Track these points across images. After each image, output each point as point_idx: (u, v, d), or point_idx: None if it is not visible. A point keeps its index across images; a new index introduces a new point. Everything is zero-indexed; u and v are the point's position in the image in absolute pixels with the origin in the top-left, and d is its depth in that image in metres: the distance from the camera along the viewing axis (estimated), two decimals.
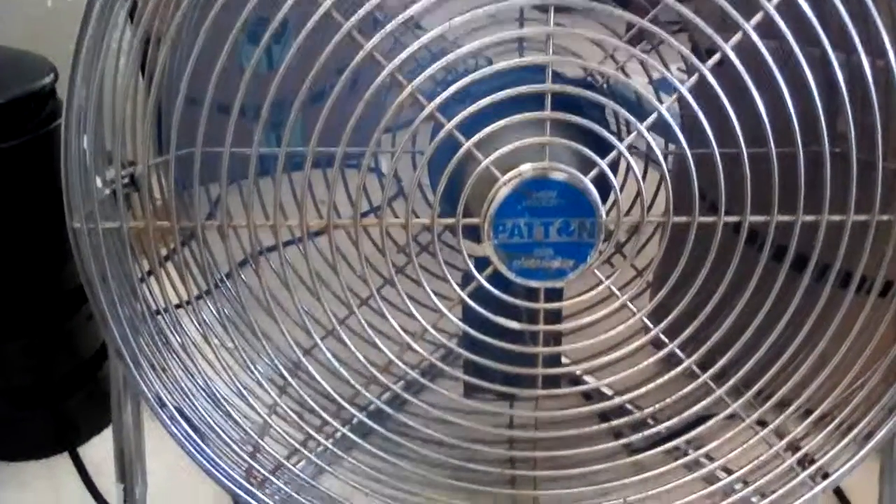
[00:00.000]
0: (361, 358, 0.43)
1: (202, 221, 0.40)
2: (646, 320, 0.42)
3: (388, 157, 0.38)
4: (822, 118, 0.37)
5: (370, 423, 0.42)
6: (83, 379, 0.64)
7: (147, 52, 0.42)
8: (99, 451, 0.62)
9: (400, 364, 0.42)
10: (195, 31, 0.39)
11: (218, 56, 0.38)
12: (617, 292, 0.40)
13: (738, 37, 0.36)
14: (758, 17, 0.36)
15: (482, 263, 0.40)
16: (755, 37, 0.36)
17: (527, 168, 0.38)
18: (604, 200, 0.39)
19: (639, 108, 0.40)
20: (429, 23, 0.40)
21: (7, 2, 0.79)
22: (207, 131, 0.40)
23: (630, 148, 0.38)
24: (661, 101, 0.38)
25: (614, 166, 0.39)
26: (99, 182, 0.42)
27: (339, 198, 0.47)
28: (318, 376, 0.43)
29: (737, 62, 0.36)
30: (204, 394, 0.46)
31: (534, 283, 0.40)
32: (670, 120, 0.38)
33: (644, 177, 0.47)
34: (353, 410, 0.43)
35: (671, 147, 0.51)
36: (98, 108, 0.41)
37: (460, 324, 0.41)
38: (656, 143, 0.39)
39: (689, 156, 0.37)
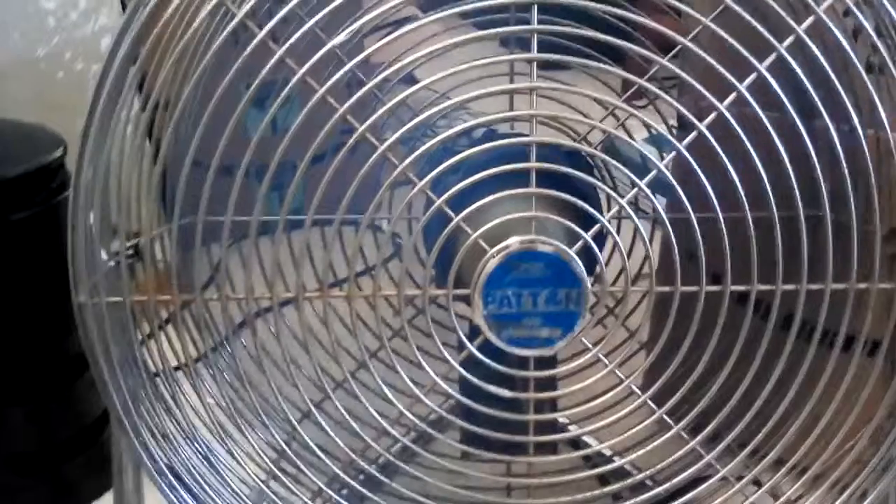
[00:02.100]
0: (354, 425, 0.44)
1: (202, 297, 0.42)
2: (633, 387, 0.43)
3: (364, 228, 0.39)
4: (795, 184, 0.38)
5: (363, 490, 0.43)
6: (85, 444, 0.64)
7: (154, 121, 0.43)
8: None
9: (390, 432, 0.43)
10: (202, 98, 0.41)
11: (221, 120, 0.39)
12: (605, 360, 0.41)
13: (732, 97, 0.38)
14: (750, 78, 0.38)
15: (474, 332, 0.41)
16: (749, 97, 0.38)
17: (514, 242, 0.39)
18: (595, 264, 0.40)
19: (635, 169, 0.41)
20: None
21: (17, 73, 0.81)
22: (210, 194, 0.41)
23: (624, 211, 0.39)
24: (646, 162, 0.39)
25: (602, 235, 0.41)
26: (104, 255, 0.44)
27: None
28: (311, 443, 0.44)
29: (732, 122, 0.38)
30: (203, 460, 0.47)
31: (523, 352, 0.41)
32: (671, 179, 0.39)
33: (632, 242, 0.48)
34: (346, 478, 0.44)
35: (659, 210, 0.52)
36: (105, 181, 0.43)
37: (454, 393, 0.42)
38: (649, 206, 0.40)
39: (667, 220, 0.39)
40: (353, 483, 0.44)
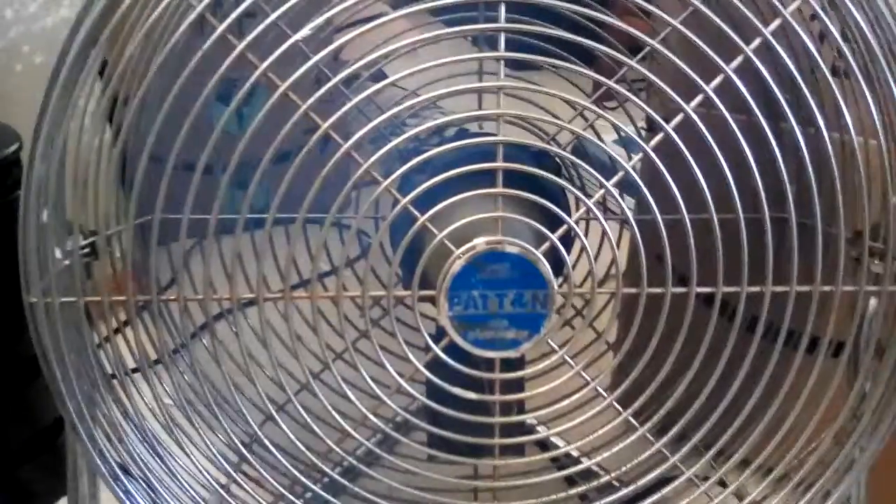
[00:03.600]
0: (317, 430, 0.43)
1: (158, 297, 0.40)
2: (599, 389, 0.42)
3: (328, 226, 0.39)
4: (761, 186, 0.38)
5: (325, 494, 0.42)
6: (40, 448, 0.62)
7: (113, 114, 0.42)
8: None
9: (353, 438, 0.42)
10: (164, 91, 0.40)
11: (184, 115, 0.38)
12: (571, 362, 0.41)
13: (699, 98, 0.38)
14: (717, 80, 0.38)
15: (440, 333, 0.41)
16: (715, 99, 0.38)
17: (480, 242, 0.39)
18: (562, 265, 0.40)
19: (602, 168, 0.41)
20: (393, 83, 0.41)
21: None
22: (170, 191, 0.40)
23: (591, 212, 0.39)
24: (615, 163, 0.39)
25: (570, 236, 0.40)
26: (58, 253, 0.42)
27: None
28: (271, 446, 0.43)
29: (699, 122, 0.38)
30: (161, 464, 0.46)
31: (489, 354, 0.40)
32: (638, 180, 0.39)
33: (600, 244, 0.48)
34: (307, 482, 0.43)
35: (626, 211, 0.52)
36: (59, 176, 0.41)
37: (418, 395, 0.41)
38: (618, 206, 0.40)
39: (634, 221, 0.39)
40: (314, 488, 0.43)
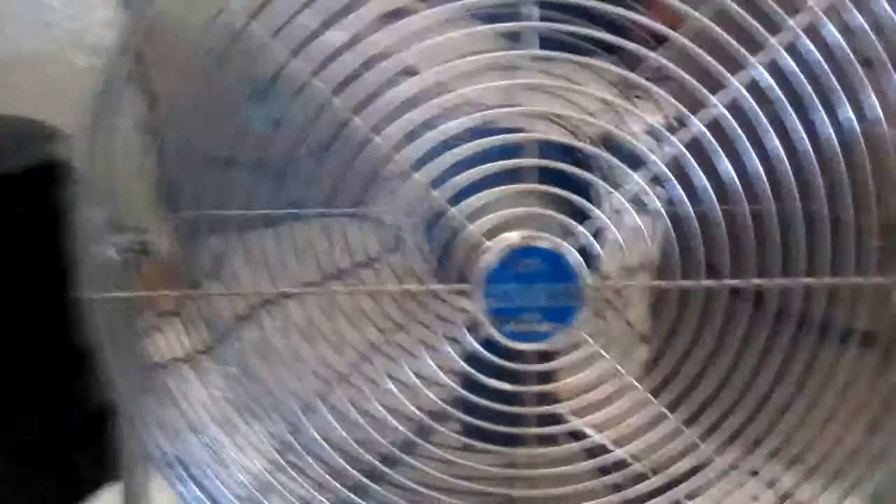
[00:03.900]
0: (360, 418, 0.44)
1: (204, 291, 0.42)
2: (633, 380, 0.43)
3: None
4: (792, 178, 0.39)
5: (366, 480, 0.44)
6: (91, 434, 0.65)
7: (154, 115, 0.44)
8: None
9: (394, 425, 0.43)
10: (202, 93, 0.42)
11: (221, 114, 0.40)
12: (605, 353, 0.42)
13: (728, 93, 0.38)
14: (746, 76, 0.38)
15: (475, 326, 0.42)
16: (745, 92, 0.38)
17: (513, 237, 0.39)
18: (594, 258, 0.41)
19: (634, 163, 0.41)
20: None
21: (16, 66, 0.81)
22: (214, 189, 0.41)
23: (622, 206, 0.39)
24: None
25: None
26: (107, 249, 0.44)
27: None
28: (316, 435, 0.45)
29: (728, 116, 0.38)
30: (209, 451, 0.48)
31: (524, 346, 0.41)
32: (667, 172, 0.39)
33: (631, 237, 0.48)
34: (349, 468, 0.44)
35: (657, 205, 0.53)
36: (107, 175, 0.43)
37: (457, 387, 0.42)
38: (649, 199, 0.40)
39: (666, 215, 0.39)
40: (356, 473, 0.44)
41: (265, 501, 0.47)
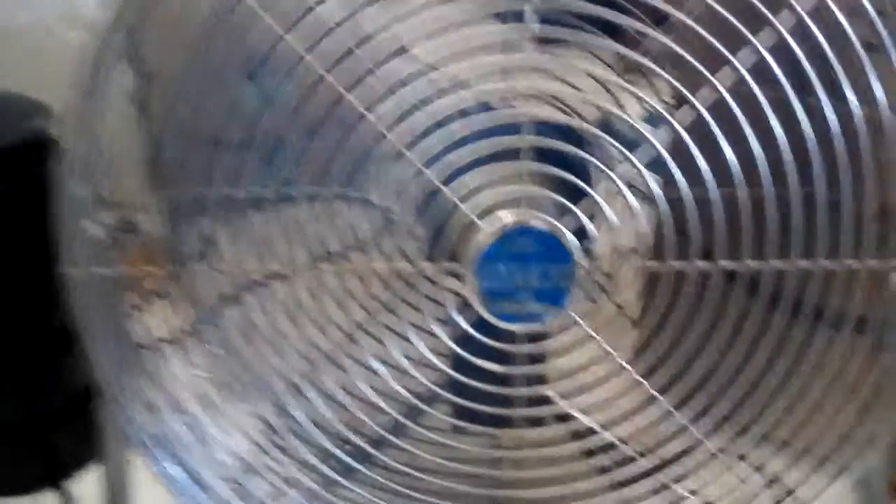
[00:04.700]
0: (345, 399, 0.44)
1: (189, 269, 0.41)
2: (624, 363, 0.43)
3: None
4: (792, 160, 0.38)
5: (351, 461, 0.43)
6: (73, 414, 0.64)
7: (146, 90, 0.43)
8: (87, 486, 0.63)
9: (380, 407, 0.43)
10: (192, 67, 0.41)
11: (212, 91, 0.39)
12: (596, 335, 0.41)
13: (730, 75, 0.38)
14: (750, 59, 0.38)
15: (466, 306, 0.41)
16: (746, 74, 0.37)
17: (507, 217, 0.39)
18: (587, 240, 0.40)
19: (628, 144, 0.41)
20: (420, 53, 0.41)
21: (1, 41, 0.80)
22: (200, 166, 0.41)
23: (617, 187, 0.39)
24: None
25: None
26: (92, 226, 0.43)
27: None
28: (301, 416, 0.44)
29: (729, 98, 0.38)
30: (191, 432, 0.47)
31: (515, 327, 0.41)
32: (666, 155, 0.39)
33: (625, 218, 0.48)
34: (334, 449, 0.44)
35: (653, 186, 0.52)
36: (95, 151, 0.42)
37: (446, 369, 0.42)
38: (643, 182, 0.40)
39: (661, 197, 0.39)
40: (340, 454, 0.44)
41: (250, 482, 0.46)
